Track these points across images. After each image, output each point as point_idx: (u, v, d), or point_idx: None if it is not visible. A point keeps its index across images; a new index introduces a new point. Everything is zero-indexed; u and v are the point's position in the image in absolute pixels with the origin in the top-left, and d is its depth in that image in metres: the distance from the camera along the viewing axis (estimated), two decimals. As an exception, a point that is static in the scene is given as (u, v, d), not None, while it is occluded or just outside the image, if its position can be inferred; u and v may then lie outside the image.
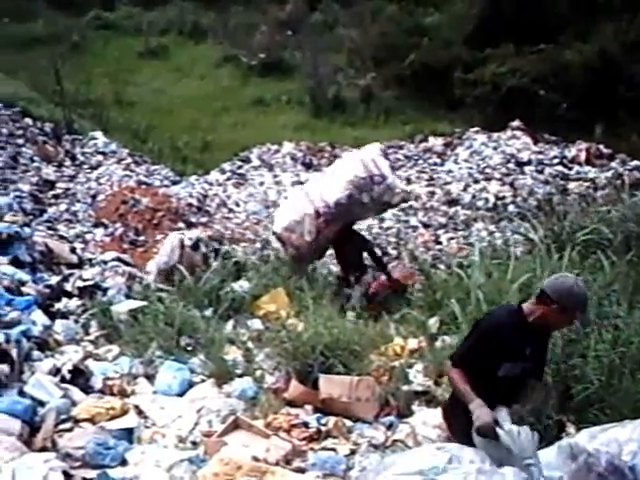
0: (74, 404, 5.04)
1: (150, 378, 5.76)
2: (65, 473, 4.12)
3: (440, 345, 5.98)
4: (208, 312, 6.98)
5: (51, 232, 10.25)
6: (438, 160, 17.64)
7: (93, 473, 4.24)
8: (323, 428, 4.94)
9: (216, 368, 5.76)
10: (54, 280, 7.28)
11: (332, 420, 5.01)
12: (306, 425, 4.96)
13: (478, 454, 3.31)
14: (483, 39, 21.08)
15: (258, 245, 11.41)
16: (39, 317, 6.25)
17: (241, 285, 7.61)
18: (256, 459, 4.40)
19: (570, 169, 16.07)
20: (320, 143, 19.15)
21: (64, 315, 6.74)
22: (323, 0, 28.36)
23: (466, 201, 14.65)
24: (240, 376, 5.74)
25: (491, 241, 10.29)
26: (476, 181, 15.59)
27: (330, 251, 8.54)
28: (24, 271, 7.11)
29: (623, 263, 6.50)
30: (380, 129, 20.28)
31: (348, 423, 5.05)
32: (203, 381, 5.73)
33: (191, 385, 5.67)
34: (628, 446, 3.13)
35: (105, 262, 8.43)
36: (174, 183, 15.77)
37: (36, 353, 5.66)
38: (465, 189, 15.20)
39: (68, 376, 5.37)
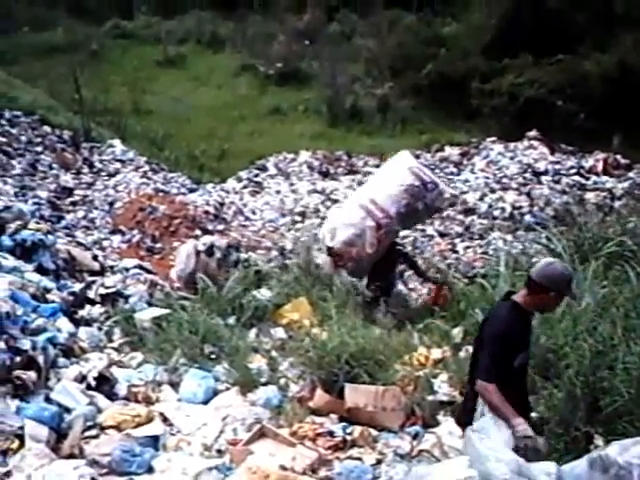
0: (99, 411, 5.06)
1: (174, 386, 5.76)
2: (94, 480, 4.13)
3: (464, 355, 5.95)
4: (231, 320, 6.99)
5: (69, 239, 10.33)
6: (455, 169, 17.66)
7: (120, 480, 4.25)
8: (349, 437, 4.92)
9: (240, 376, 5.75)
10: (77, 287, 7.31)
11: (358, 429, 4.98)
12: (331, 434, 4.94)
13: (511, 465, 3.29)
14: (501, 49, 21.09)
15: (275, 253, 11.42)
16: (64, 324, 6.26)
17: (263, 294, 7.61)
18: (284, 468, 4.39)
19: (587, 179, 16.05)
20: (337, 152, 19.26)
21: (87, 322, 6.77)
22: (341, 10, 28.61)
23: (482, 210, 14.64)
24: (264, 384, 5.73)
25: (509, 251, 10.23)
26: (493, 190, 15.57)
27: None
28: (48, 278, 7.14)
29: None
30: (397, 138, 20.34)
31: (374, 432, 5.02)
32: (227, 389, 5.72)
33: (216, 393, 5.66)
34: (660, 459, 3.09)
35: (127, 269, 8.45)
36: (191, 191, 15.88)
37: (62, 360, 5.67)
38: (482, 198, 15.20)
39: (93, 383, 5.39)
